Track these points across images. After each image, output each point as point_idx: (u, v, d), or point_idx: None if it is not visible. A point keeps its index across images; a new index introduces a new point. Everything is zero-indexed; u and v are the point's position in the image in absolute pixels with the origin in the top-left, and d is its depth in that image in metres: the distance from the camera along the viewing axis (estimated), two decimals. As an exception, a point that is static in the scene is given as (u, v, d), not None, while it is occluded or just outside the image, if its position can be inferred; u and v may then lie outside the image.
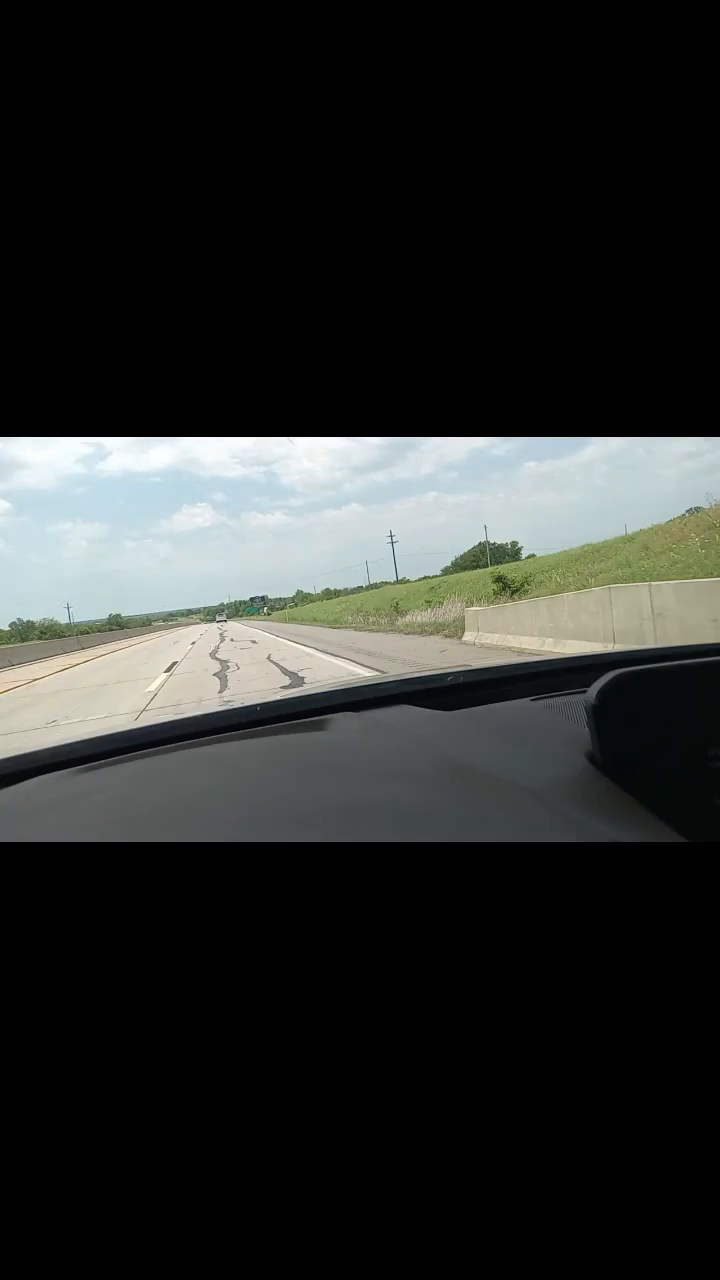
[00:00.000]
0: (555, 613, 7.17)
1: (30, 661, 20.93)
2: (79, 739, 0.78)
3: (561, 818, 0.44)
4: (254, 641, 16.85)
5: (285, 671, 8.69)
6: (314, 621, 26.59)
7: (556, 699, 0.79)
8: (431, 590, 20.02)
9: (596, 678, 0.52)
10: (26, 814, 0.59)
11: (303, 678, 7.81)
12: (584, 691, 0.54)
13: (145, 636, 33.01)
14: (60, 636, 46.95)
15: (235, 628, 29.39)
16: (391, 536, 58.30)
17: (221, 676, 9.00)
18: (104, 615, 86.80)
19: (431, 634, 11.69)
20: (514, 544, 57.10)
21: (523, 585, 14.78)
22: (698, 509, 16.38)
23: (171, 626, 67.47)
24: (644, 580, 7.22)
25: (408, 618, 16.61)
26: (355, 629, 18.44)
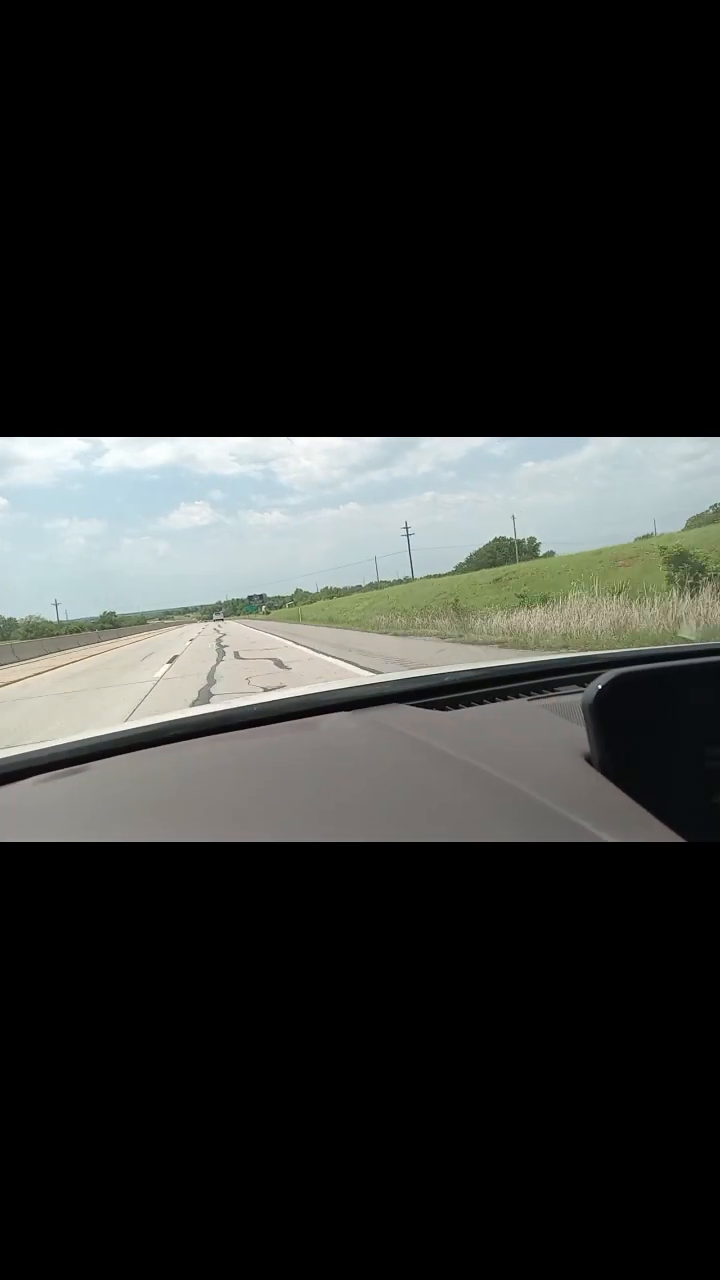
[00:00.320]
0: None
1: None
2: (76, 739, 0.76)
3: (558, 818, 0.44)
4: (279, 664, 9.15)
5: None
6: (331, 622, 22.66)
7: (554, 699, 0.78)
8: (496, 583, 15.81)
9: (594, 678, 0.52)
10: (22, 814, 0.59)
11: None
12: (582, 691, 0.53)
13: (120, 641, 28.98)
14: (47, 635, 43.48)
15: (235, 630, 25.20)
16: (407, 528, 54.62)
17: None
18: (103, 613, 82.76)
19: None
20: (532, 540, 53.41)
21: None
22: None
23: (163, 626, 63.09)
24: None
25: (488, 621, 11.46)
26: (407, 635, 12.96)
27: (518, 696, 0.82)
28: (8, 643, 28.12)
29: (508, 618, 11.17)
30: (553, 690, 0.84)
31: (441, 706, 0.79)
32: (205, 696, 6.77)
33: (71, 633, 45.17)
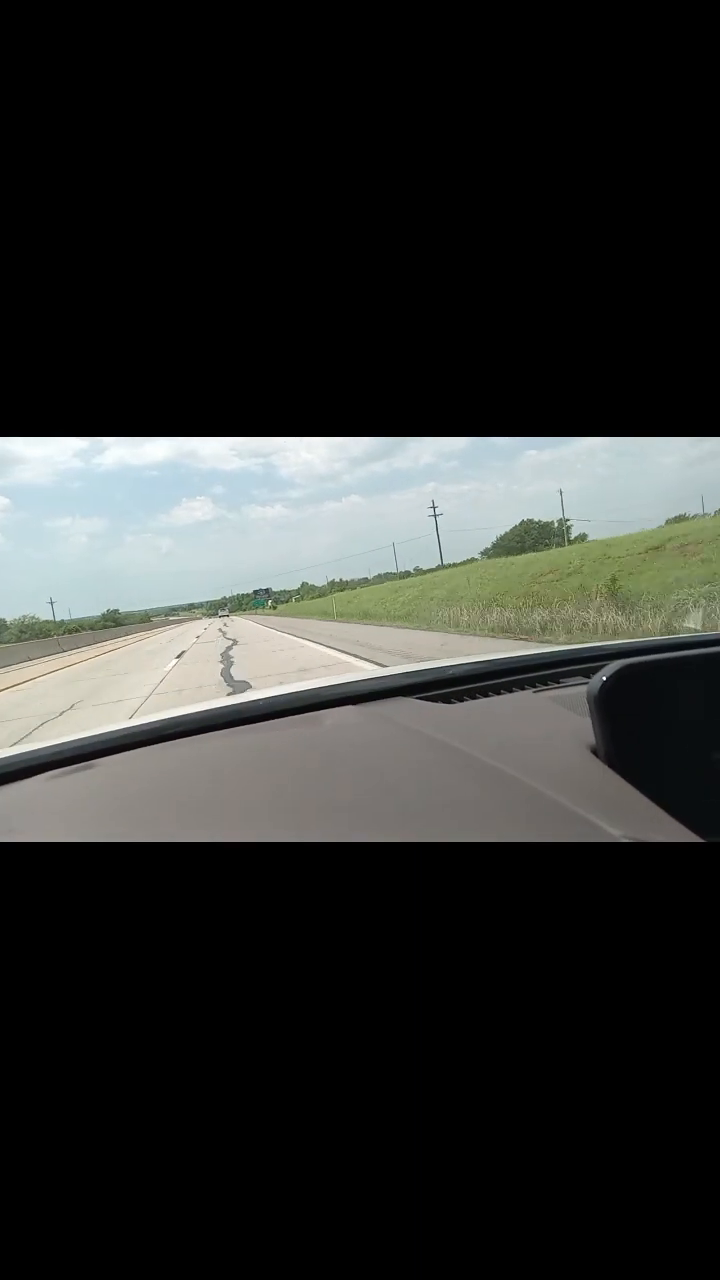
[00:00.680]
0: None
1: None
2: (80, 737, 0.77)
3: (567, 814, 0.44)
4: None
5: None
6: (367, 618, 18.69)
7: (559, 691, 0.79)
8: (653, 551, 11.61)
9: (600, 669, 0.52)
10: (27, 813, 0.59)
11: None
12: (587, 683, 0.53)
13: (109, 645, 25.12)
14: (44, 636, 39.91)
15: (245, 630, 21.17)
16: (434, 508, 50.60)
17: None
18: (105, 612, 79.14)
19: None
20: (564, 522, 49.21)
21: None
22: None
23: (163, 626, 59.07)
24: None
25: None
26: (524, 639, 8.73)
27: (523, 688, 0.83)
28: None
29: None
30: (558, 682, 0.85)
31: (446, 699, 0.80)
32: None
33: (69, 633, 41.57)
